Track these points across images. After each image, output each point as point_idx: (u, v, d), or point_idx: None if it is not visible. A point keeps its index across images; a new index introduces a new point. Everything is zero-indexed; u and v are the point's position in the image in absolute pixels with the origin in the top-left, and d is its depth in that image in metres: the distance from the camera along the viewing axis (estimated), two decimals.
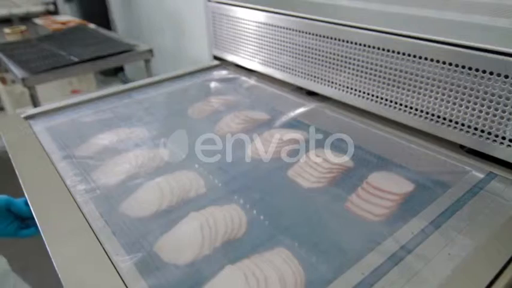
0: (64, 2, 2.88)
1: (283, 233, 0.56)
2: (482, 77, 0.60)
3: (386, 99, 0.75)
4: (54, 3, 3.12)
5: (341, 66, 0.81)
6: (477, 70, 0.60)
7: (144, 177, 0.68)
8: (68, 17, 2.59)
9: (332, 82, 0.85)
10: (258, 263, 0.49)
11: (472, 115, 0.63)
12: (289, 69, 0.95)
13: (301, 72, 0.92)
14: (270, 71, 1.01)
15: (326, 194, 0.65)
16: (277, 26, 0.93)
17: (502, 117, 0.60)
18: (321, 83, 0.88)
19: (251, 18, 1.00)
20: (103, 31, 2.14)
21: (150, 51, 1.78)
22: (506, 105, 0.58)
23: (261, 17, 0.97)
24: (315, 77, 0.89)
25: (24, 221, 0.75)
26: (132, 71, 2.72)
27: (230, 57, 1.16)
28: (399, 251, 0.50)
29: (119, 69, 2.73)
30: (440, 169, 0.67)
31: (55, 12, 3.08)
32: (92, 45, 1.81)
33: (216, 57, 1.23)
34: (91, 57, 1.61)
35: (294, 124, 0.86)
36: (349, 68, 0.80)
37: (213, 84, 1.12)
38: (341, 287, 0.45)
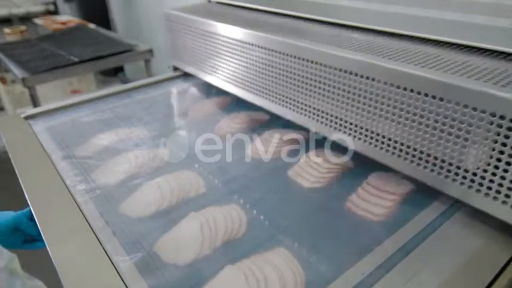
0: (64, 2, 2.88)
1: (283, 233, 0.56)
2: (424, 101, 0.51)
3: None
4: (54, 3, 3.13)
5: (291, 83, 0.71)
6: (426, 95, 0.50)
7: (144, 177, 0.68)
8: (68, 17, 2.59)
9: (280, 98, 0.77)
10: (258, 263, 0.49)
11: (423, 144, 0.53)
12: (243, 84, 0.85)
13: (258, 90, 0.81)
14: (224, 85, 0.93)
15: (326, 194, 0.65)
16: (230, 38, 0.83)
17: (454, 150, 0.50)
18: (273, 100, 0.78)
19: (205, 28, 0.90)
20: (103, 31, 2.14)
21: (150, 51, 1.78)
22: (458, 136, 0.49)
23: (215, 28, 0.86)
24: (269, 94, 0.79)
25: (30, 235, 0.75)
26: (132, 71, 2.72)
27: (189, 69, 1.05)
28: (399, 251, 0.50)
29: (119, 69, 2.73)
30: None
31: (55, 12, 3.08)
32: (92, 45, 1.81)
33: (175, 68, 1.14)
34: (91, 57, 1.62)
35: (293, 124, 0.86)
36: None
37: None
38: (341, 287, 0.46)
